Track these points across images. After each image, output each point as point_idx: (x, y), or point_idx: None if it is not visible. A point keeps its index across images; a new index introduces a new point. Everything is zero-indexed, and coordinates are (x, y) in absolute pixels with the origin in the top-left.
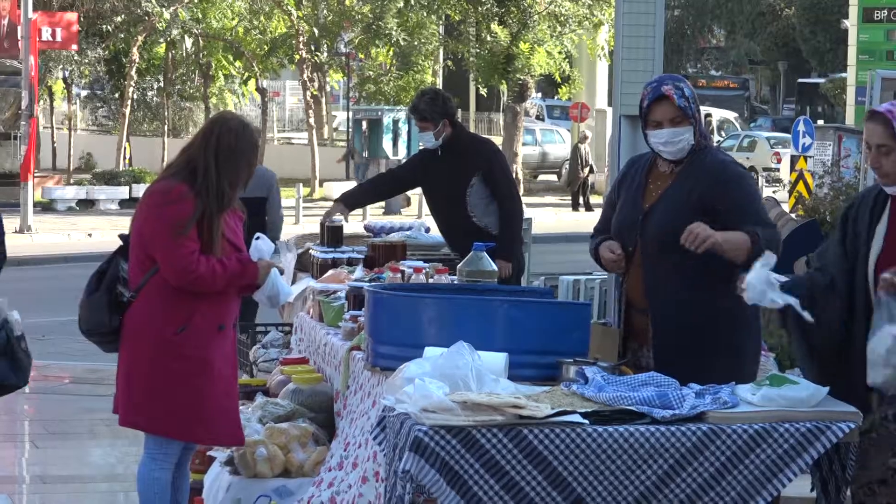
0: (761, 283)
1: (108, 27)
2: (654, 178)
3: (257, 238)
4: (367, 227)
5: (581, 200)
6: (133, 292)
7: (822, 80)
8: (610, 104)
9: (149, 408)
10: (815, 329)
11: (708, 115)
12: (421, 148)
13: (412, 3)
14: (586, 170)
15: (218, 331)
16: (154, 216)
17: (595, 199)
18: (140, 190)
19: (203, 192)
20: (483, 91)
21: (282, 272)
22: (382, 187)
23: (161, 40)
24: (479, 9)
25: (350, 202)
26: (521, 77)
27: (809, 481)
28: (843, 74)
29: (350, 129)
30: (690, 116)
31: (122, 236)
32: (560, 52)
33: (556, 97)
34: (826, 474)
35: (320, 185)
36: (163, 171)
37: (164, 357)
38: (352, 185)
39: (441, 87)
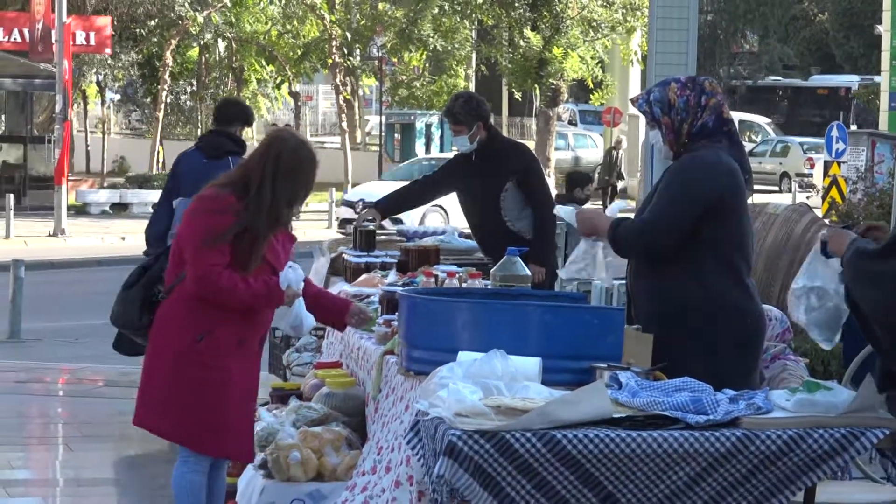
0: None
1: (142, 31)
2: None
3: (289, 266)
4: (400, 232)
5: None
6: (164, 292)
7: None
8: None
9: (162, 412)
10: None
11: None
12: (455, 153)
13: (446, 8)
14: (615, 175)
15: (238, 345)
16: (193, 220)
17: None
18: None
19: (253, 209)
20: (518, 96)
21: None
22: (417, 193)
23: (194, 44)
24: (512, 14)
25: (384, 208)
26: (554, 82)
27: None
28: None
29: (382, 133)
30: (652, 120)
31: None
32: (593, 58)
33: (588, 102)
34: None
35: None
36: (217, 180)
37: (182, 364)
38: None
39: (474, 91)
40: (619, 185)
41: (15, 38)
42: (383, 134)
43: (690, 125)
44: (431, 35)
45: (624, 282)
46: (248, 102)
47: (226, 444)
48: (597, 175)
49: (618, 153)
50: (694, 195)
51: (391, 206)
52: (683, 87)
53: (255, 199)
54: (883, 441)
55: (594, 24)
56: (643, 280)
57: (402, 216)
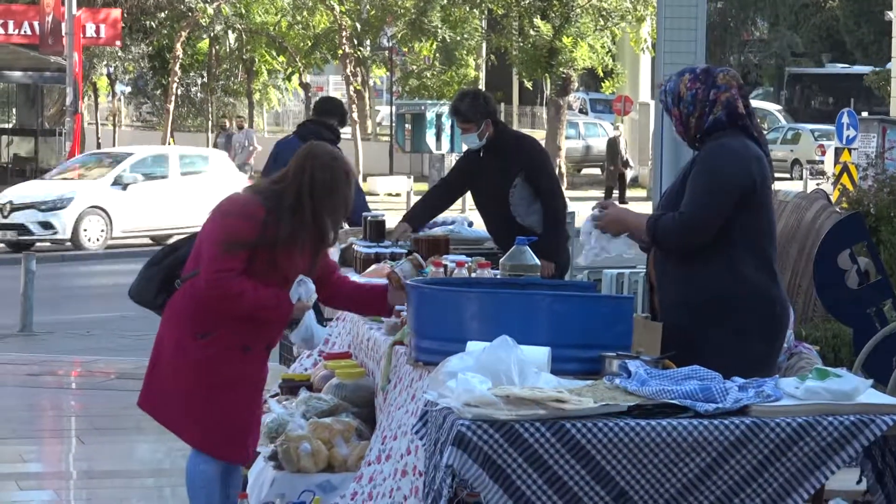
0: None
1: (152, 23)
2: None
3: (300, 280)
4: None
5: (615, 194)
6: (180, 280)
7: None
8: (653, 97)
9: (159, 397)
10: None
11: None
12: (465, 151)
13: None
14: (620, 164)
15: (242, 351)
16: (216, 220)
17: (633, 193)
18: None
19: (287, 225)
20: (529, 84)
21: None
22: (439, 199)
23: (204, 36)
24: (522, 3)
25: (415, 222)
26: (565, 71)
27: (856, 475)
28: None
29: (393, 124)
30: (666, 109)
31: None
32: (603, 46)
33: (599, 91)
34: (881, 465)
35: (364, 179)
36: (253, 185)
37: (180, 359)
38: (397, 179)
39: (484, 81)
40: (628, 173)
41: (25, 31)
42: (394, 124)
43: (698, 119)
44: (440, 26)
45: (636, 270)
46: (258, 94)
47: (215, 444)
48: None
49: (617, 141)
50: (728, 184)
51: (417, 217)
52: (695, 80)
53: (289, 215)
54: (894, 427)
55: (604, 12)
56: (672, 269)
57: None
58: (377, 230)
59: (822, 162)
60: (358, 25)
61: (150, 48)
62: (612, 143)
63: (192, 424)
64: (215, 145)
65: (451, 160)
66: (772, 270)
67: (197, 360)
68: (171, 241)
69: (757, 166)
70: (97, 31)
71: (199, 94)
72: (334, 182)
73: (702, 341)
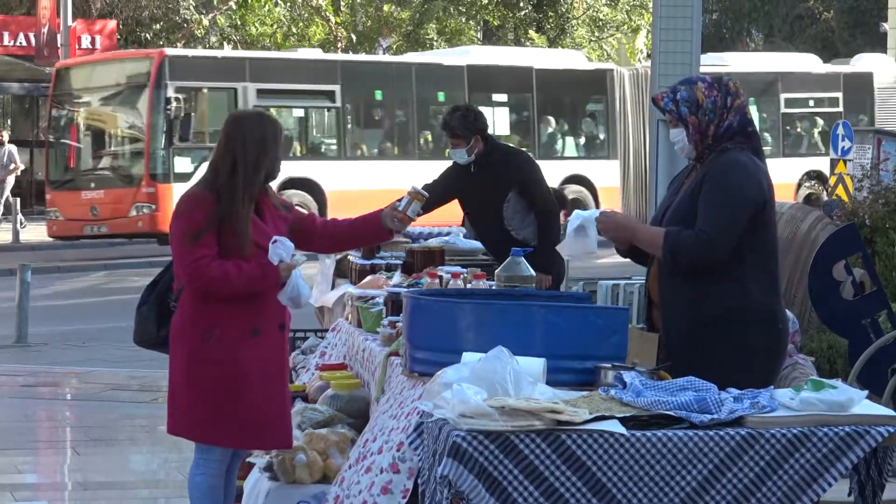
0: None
1: (147, 34)
2: (689, 178)
3: (273, 241)
4: (405, 233)
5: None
6: (174, 300)
7: None
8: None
9: (187, 415)
10: None
11: None
12: (453, 163)
13: (451, 10)
14: None
15: (251, 335)
16: (174, 223)
17: None
18: None
19: (225, 194)
20: None
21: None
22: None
23: (199, 47)
24: (517, 14)
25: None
26: None
27: (847, 485)
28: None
29: None
30: (679, 119)
31: None
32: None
33: None
34: (864, 478)
35: None
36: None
37: (195, 364)
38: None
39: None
40: None
41: (21, 43)
42: None
43: (717, 126)
44: (436, 38)
45: (631, 282)
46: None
47: (256, 436)
48: None
49: None
50: (745, 202)
51: None
52: (711, 88)
53: (227, 185)
54: (888, 438)
55: (599, 23)
56: (681, 285)
57: None
58: None
59: None
60: (353, 37)
61: None
62: None
63: (223, 429)
64: None
65: None
66: (776, 287)
67: (213, 361)
68: None
69: (766, 182)
70: (92, 42)
71: None
72: (264, 143)
73: (708, 357)
